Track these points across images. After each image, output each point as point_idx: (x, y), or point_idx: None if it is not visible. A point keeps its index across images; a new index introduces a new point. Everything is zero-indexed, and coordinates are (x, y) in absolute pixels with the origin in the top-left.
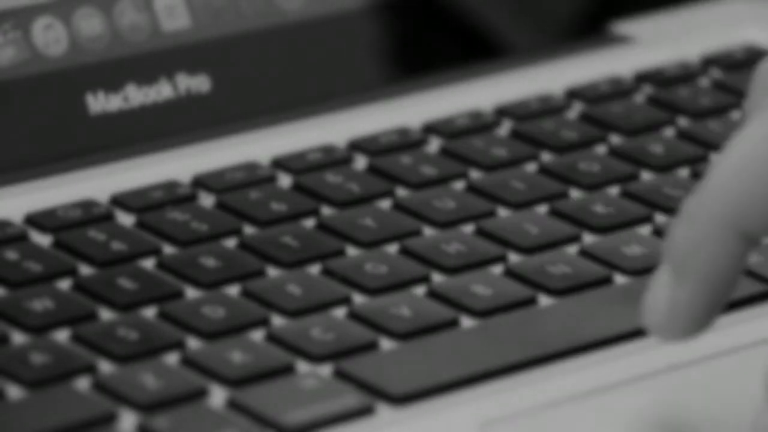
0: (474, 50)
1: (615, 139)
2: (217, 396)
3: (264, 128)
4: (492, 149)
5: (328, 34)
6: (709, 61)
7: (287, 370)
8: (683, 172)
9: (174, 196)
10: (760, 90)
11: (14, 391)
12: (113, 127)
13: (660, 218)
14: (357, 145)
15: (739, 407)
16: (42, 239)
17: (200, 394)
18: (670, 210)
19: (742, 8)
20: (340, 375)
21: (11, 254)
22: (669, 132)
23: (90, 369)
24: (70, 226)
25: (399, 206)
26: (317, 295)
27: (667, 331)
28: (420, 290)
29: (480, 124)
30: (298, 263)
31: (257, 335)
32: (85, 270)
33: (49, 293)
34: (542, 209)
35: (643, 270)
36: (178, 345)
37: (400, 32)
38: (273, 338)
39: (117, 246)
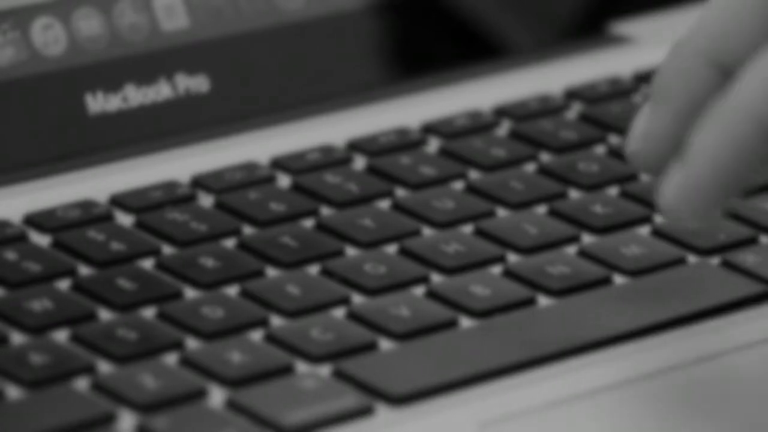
0: (473, 50)
1: (614, 139)
2: (217, 396)
3: (264, 128)
4: (491, 149)
5: (328, 34)
6: None
7: (286, 370)
8: None
9: (173, 196)
10: None
11: (14, 391)
12: (112, 127)
13: (659, 218)
14: (356, 146)
15: (739, 406)
16: (41, 239)
17: (199, 394)
18: None
19: None
20: (340, 375)
21: (11, 254)
22: None
23: (89, 369)
24: (69, 226)
25: (398, 206)
26: (316, 295)
27: (641, 156)
28: (419, 290)
29: (479, 125)
30: (297, 263)
31: (256, 335)
32: (85, 270)
33: (48, 293)
34: (541, 209)
35: (642, 270)
36: (178, 345)
37: (400, 32)
38: (272, 338)
39: (116, 246)
